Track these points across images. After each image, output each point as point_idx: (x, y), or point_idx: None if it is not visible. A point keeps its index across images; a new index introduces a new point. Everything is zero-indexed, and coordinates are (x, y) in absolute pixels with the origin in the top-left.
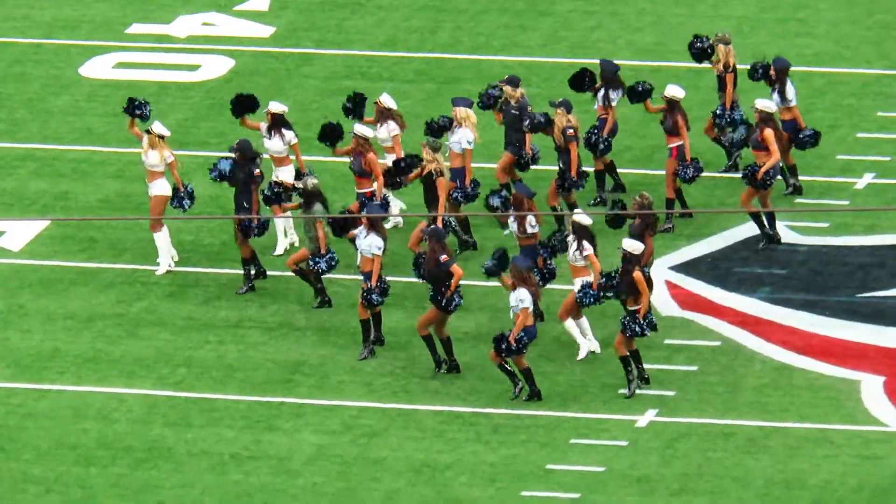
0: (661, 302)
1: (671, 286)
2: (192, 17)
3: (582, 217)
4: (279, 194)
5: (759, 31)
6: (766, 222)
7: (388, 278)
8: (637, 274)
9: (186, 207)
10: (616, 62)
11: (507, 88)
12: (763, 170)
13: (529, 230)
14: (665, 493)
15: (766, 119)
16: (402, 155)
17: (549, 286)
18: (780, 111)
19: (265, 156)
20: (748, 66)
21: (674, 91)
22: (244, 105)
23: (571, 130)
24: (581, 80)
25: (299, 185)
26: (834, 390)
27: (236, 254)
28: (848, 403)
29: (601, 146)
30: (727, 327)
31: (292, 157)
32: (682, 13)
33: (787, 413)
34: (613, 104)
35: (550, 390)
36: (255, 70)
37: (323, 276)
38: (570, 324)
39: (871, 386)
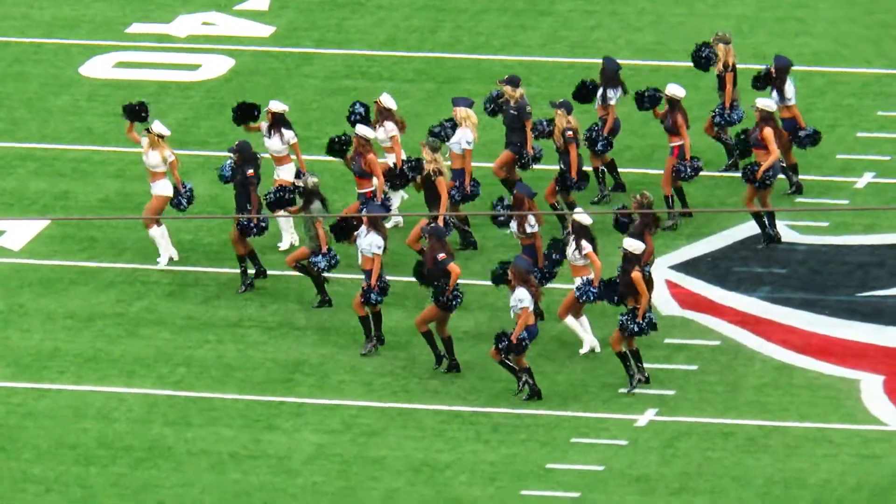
0: (661, 301)
1: (671, 285)
2: (192, 16)
3: (582, 217)
4: (282, 198)
5: (759, 30)
6: (767, 222)
7: (388, 278)
8: (635, 274)
9: (184, 208)
10: (618, 61)
11: (507, 88)
12: (762, 169)
13: (529, 230)
14: (665, 492)
15: (766, 118)
16: (402, 155)
17: (549, 285)
18: (780, 109)
19: (265, 155)
20: (746, 66)
21: (674, 90)
22: (246, 113)
23: (571, 132)
24: (584, 92)
25: (299, 183)
26: (833, 389)
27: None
28: (847, 403)
29: (600, 144)
30: (727, 326)
31: (293, 157)
32: (681, 12)
33: (786, 412)
34: (611, 103)
35: (550, 389)
36: (255, 69)
37: (323, 275)
38: (570, 321)
39: (870, 385)
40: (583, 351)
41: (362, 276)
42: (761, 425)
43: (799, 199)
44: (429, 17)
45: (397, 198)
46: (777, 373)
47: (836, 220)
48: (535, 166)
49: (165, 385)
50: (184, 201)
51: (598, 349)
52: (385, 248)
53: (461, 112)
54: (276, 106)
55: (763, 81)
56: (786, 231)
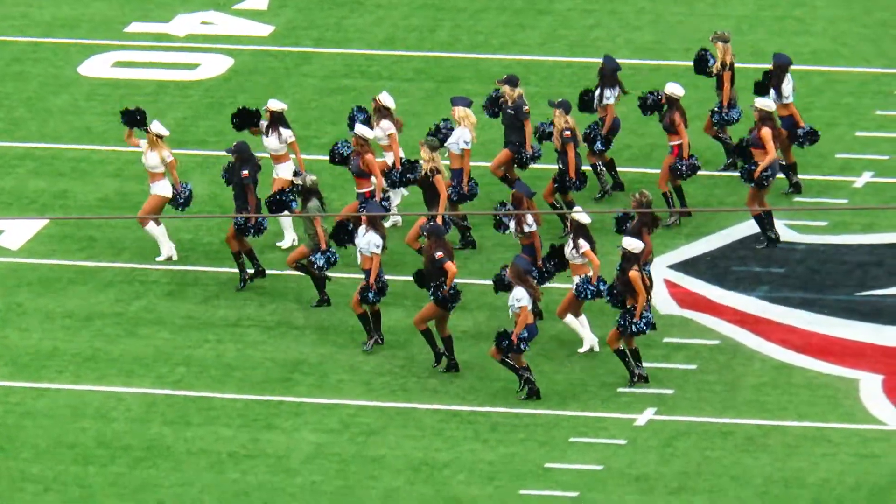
0: (660, 300)
1: (670, 285)
2: (190, 15)
3: (581, 216)
4: (282, 201)
5: (758, 29)
6: (768, 224)
7: (387, 277)
8: (633, 273)
9: (181, 209)
10: (617, 61)
11: (506, 88)
12: (759, 169)
13: (527, 229)
14: (664, 491)
15: (765, 118)
16: (401, 153)
17: (548, 284)
18: (777, 107)
19: (264, 155)
20: (746, 65)
21: (673, 89)
22: (246, 119)
23: (568, 132)
24: (586, 101)
25: (297, 181)
26: (832, 389)
27: None
28: (846, 402)
29: (598, 144)
30: (726, 326)
31: (292, 155)
32: (681, 12)
33: (785, 412)
34: (607, 102)
35: (549, 389)
36: (253, 69)
37: (325, 274)
38: (569, 319)
39: (869, 384)
40: (582, 350)
41: (361, 276)
42: (760, 425)
43: (797, 199)
44: (428, 17)
45: (398, 196)
46: (776, 372)
47: (835, 220)
48: (535, 165)
49: (164, 384)
50: (181, 201)
51: (597, 348)
52: (384, 247)
53: (460, 112)
54: (275, 105)
55: (764, 87)
56: (784, 230)
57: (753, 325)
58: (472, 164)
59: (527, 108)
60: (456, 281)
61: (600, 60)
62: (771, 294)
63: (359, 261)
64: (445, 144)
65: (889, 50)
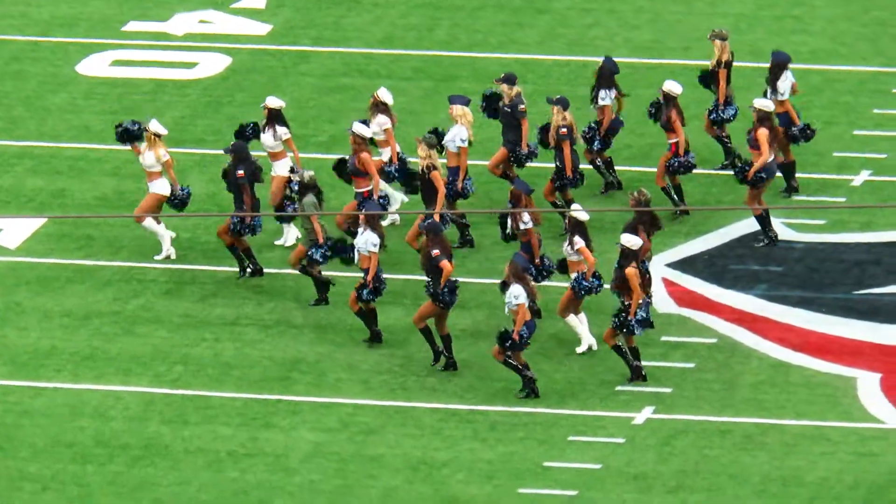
0: (658, 299)
1: (668, 283)
2: (189, 14)
3: (579, 213)
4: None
5: (757, 28)
6: (768, 222)
7: (385, 276)
8: (629, 270)
9: (178, 209)
10: (615, 59)
11: (504, 86)
12: (753, 170)
13: (522, 226)
14: (662, 490)
15: (763, 118)
16: (398, 148)
17: (547, 284)
18: (773, 104)
19: (262, 154)
20: (744, 64)
21: (670, 86)
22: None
23: (565, 129)
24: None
25: (295, 178)
26: (830, 387)
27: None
28: (844, 400)
29: (596, 143)
30: (724, 324)
31: (289, 153)
32: (679, 10)
33: (783, 410)
34: (602, 103)
35: (548, 387)
36: (252, 68)
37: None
38: (571, 319)
39: (867, 383)
40: (580, 350)
41: (360, 274)
42: (758, 423)
43: (796, 197)
44: (426, 15)
45: (397, 202)
46: (774, 370)
47: (833, 218)
48: (537, 164)
49: (162, 383)
50: (176, 202)
51: (595, 347)
52: (383, 246)
53: (457, 110)
54: (273, 102)
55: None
56: (782, 229)
57: (751, 323)
58: (470, 162)
59: (523, 106)
60: (459, 280)
61: (598, 59)
62: (769, 292)
63: (356, 260)
64: (443, 142)
65: (887, 49)
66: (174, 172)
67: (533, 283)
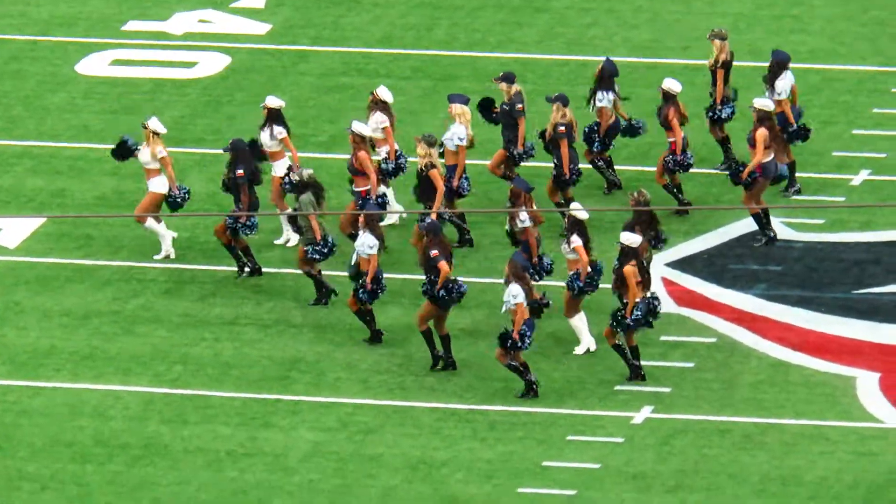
0: None
1: (667, 283)
2: (188, 14)
3: (579, 212)
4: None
5: (755, 27)
6: (766, 222)
7: (385, 275)
8: (627, 268)
9: (177, 208)
10: (613, 59)
11: (503, 85)
12: (747, 170)
13: (520, 225)
14: (661, 489)
15: (763, 118)
16: (395, 147)
17: (546, 282)
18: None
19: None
20: (743, 63)
21: (669, 84)
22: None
23: (563, 128)
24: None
25: (294, 176)
26: (829, 387)
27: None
28: (843, 400)
29: (596, 144)
30: (723, 324)
31: (288, 153)
32: (678, 10)
33: (782, 409)
34: (600, 104)
35: (547, 387)
36: (251, 67)
37: (322, 274)
38: (575, 320)
39: (866, 382)
40: (578, 351)
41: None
42: (757, 422)
43: (795, 197)
44: (425, 15)
45: (395, 216)
46: (773, 370)
47: (832, 218)
48: (537, 163)
49: (162, 383)
50: (170, 201)
51: (593, 349)
52: (383, 248)
53: (456, 108)
54: (272, 101)
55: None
56: (782, 228)
57: (751, 322)
58: (470, 162)
59: (520, 105)
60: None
61: (597, 59)
62: (768, 292)
63: (353, 261)
64: (442, 140)
65: (886, 48)
66: (174, 172)
67: (531, 282)
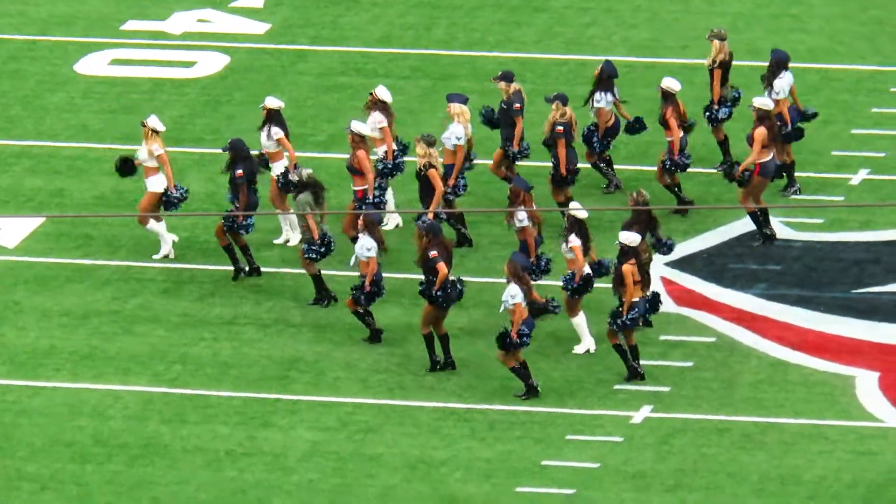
0: None
1: (666, 282)
2: (187, 13)
3: (578, 211)
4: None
5: (754, 26)
6: (763, 221)
7: (385, 275)
8: (625, 267)
9: (173, 208)
10: (611, 59)
11: (502, 84)
12: (741, 168)
13: (518, 224)
14: (660, 488)
15: (763, 117)
16: (394, 147)
17: (545, 281)
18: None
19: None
20: (742, 63)
21: (668, 83)
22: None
23: (560, 127)
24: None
25: (294, 176)
26: (829, 386)
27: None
28: (843, 399)
29: (595, 145)
30: (722, 323)
31: (286, 153)
32: (677, 9)
33: (781, 409)
34: (598, 105)
35: (546, 386)
36: (250, 66)
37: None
38: (577, 320)
39: (865, 381)
40: (577, 350)
41: (357, 273)
42: (757, 422)
43: (794, 196)
44: (424, 14)
45: (392, 224)
46: (772, 369)
47: (832, 217)
48: (537, 163)
49: (161, 382)
50: (174, 200)
51: (592, 350)
52: (383, 249)
53: (455, 108)
54: (271, 102)
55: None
56: (781, 228)
57: (750, 322)
58: (475, 162)
59: (518, 105)
60: (462, 278)
61: (596, 58)
62: (767, 291)
63: (352, 262)
64: (441, 139)
65: (885, 47)
66: (172, 171)
67: (530, 282)
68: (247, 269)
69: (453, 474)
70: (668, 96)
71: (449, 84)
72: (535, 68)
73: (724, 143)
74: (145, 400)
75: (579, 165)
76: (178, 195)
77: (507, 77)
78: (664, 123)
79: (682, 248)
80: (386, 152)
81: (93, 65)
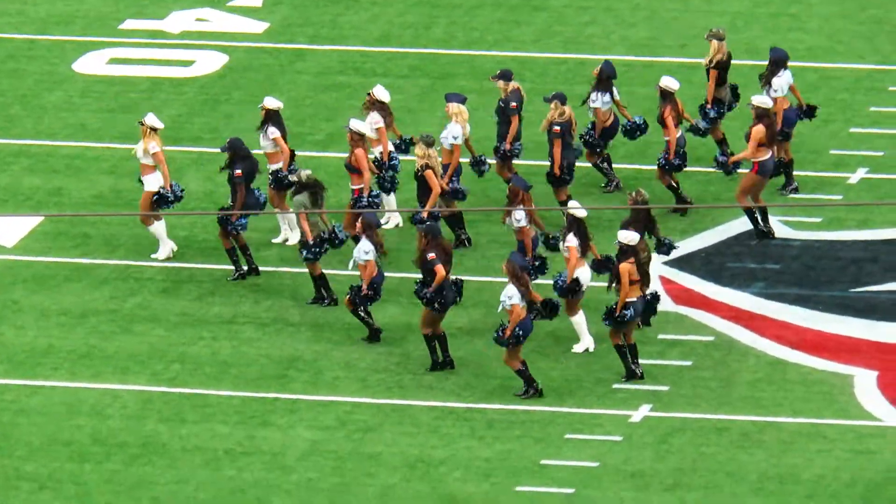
0: None
1: (665, 281)
2: (185, 12)
3: (577, 210)
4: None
5: (753, 26)
6: (759, 218)
7: (385, 274)
8: (622, 265)
9: (169, 206)
10: (610, 58)
11: (500, 83)
12: (733, 159)
13: (516, 224)
14: (659, 487)
15: (762, 115)
16: (390, 147)
17: (541, 281)
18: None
19: (258, 151)
20: (741, 62)
21: (667, 82)
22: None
23: (557, 127)
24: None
25: (293, 177)
26: (827, 385)
27: None
28: (841, 398)
29: (592, 145)
30: (721, 322)
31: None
32: (676, 8)
33: (780, 408)
34: (594, 105)
35: (545, 385)
36: (248, 66)
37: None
38: (576, 318)
39: (863, 380)
40: (576, 349)
41: (356, 272)
42: (755, 421)
43: (792, 195)
44: (423, 14)
45: (392, 223)
46: (771, 368)
47: (830, 216)
48: (537, 161)
49: (160, 381)
50: (169, 198)
51: (591, 349)
52: (382, 253)
53: (453, 107)
54: (270, 102)
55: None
56: (779, 226)
57: (748, 321)
58: (466, 160)
59: (514, 104)
60: (461, 278)
61: (595, 57)
62: (766, 290)
63: (350, 266)
64: (439, 138)
65: (883, 46)
66: (168, 170)
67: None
68: (245, 268)
69: (452, 473)
70: (666, 95)
71: (448, 83)
72: (534, 67)
73: (722, 143)
74: (144, 399)
75: (578, 164)
76: (173, 194)
77: (506, 76)
78: (662, 122)
79: (681, 247)
80: (381, 153)
81: (91, 64)
